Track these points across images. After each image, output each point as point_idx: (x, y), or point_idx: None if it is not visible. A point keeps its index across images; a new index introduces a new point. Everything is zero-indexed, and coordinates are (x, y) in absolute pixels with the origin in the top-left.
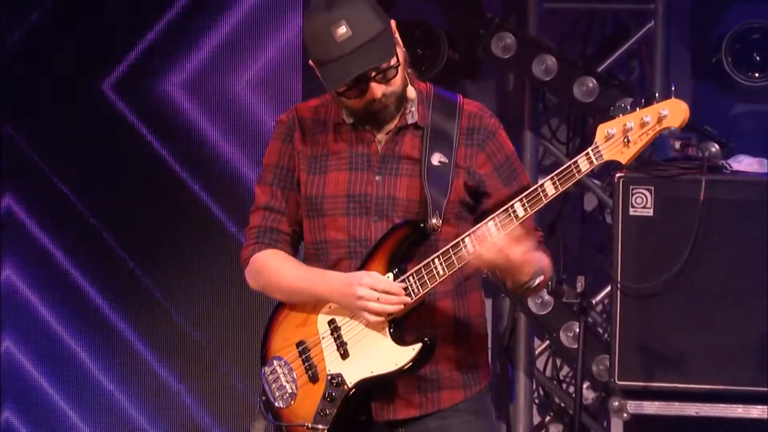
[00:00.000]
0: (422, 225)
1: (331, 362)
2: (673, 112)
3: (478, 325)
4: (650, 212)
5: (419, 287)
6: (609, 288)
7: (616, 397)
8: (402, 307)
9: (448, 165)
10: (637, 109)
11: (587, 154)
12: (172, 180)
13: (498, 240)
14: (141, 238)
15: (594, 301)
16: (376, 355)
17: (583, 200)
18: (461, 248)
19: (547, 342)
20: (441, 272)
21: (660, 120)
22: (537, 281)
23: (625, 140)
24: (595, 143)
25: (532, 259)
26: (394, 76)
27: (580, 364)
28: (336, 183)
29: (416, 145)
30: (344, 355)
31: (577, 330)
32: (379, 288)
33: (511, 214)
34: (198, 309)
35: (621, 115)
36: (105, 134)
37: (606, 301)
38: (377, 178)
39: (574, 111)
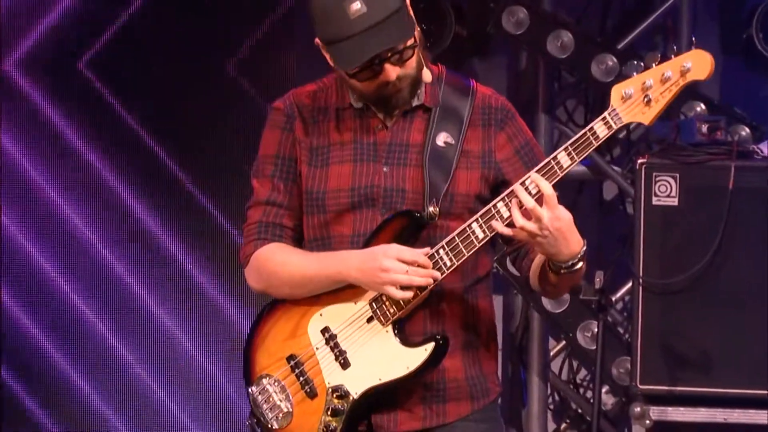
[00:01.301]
0: (418, 215)
1: (331, 374)
2: (697, 63)
3: (489, 332)
4: (675, 201)
5: (453, 258)
6: (630, 284)
7: (638, 402)
8: (431, 281)
9: (454, 146)
10: (654, 65)
11: (604, 118)
12: (160, 170)
13: (540, 204)
14: (127, 229)
15: (614, 299)
16: (383, 360)
17: (602, 188)
18: (493, 214)
19: (563, 343)
20: (481, 236)
21: (683, 74)
22: (581, 262)
23: (645, 99)
24: (612, 105)
25: (576, 233)
26: (411, 57)
27: (598, 366)
28: (339, 176)
29: (424, 129)
30: (344, 365)
31: (596, 330)
32: (408, 259)
33: (495, 214)
34: (186, 310)
35: (636, 74)
36: (84, 112)
37: (627, 299)
38: (385, 169)
39: (593, 91)
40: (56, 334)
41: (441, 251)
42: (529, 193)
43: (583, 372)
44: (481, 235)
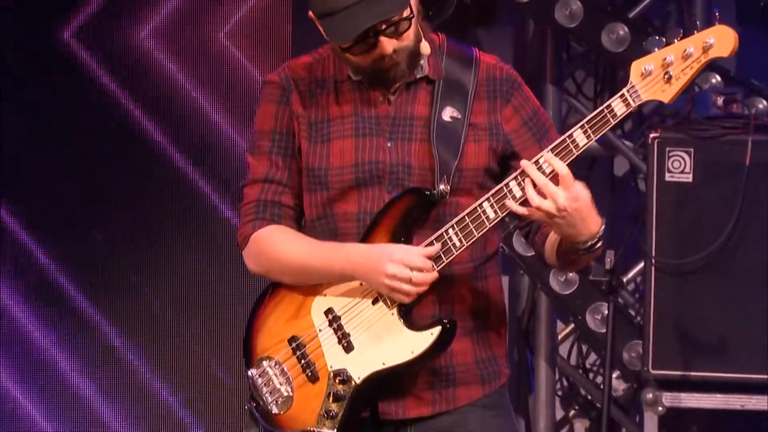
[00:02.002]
0: (428, 192)
1: (333, 357)
2: (720, 40)
3: (498, 312)
4: (689, 178)
5: (462, 239)
6: (642, 264)
7: (650, 388)
8: (427, 286)
9: (461, 121)
10: (676, 41)
11: (622, 95)
12: (146, 147)
13: (555, 183)
14: (112, 212)
15: (625, 279)
16: (388, 344)
17: (613, 164)
18: (506, 193)
19: (572, 326)
20: (492, 216)
21: (706, 50)
22: (600, 242)
23: (666, 76)
24: (631, 82)
25: (594, 212)
26: (407, 29)
27: (608, 350)
28: (341, 152)
29: (429, 102)
30: (348, 348)
31: (606, 312)
32: (414, 265)
33: (506, 193)
34: (179, 292)
35: (657, 49)
36: (65, 88)
37: (639, 279)
38: (389, 144)
39: (603, 62)
40: (56, 330)
41: (450, 231)
42: (543, 173)
43: (592, 356)
44: (492, 215)
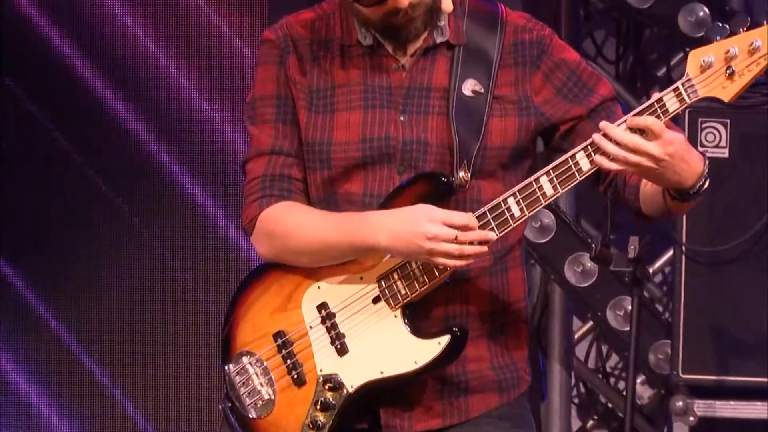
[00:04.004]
0: (445, 180)
1: (324, 360)
2: None
3: (519, 311)
4: (725, 153)
5: (524, 208)
6: (671, 252)
7: (680, 395)
8: (486, 249)
9: (484, 95)
10: (742, 30)
11: (676, 89)
12: (106, 116)
13: (628, 139)
14: (70, 187)
15: (651, 270)
16: (388, 350)
17: None
18: (569, 164)
19: (590, 323)
20: (549, 193)
21: None
22: (707, 180)
23: (728, 71)
24: (687, 74)
25: (689, 148)
26: None
27: (632, 352)
28: (347, 126)
29: (448, 71)
30: (341, 351)
31: (629, 307)
32: (456, 223)
33: (572, 167)
34: (136, 283)
35: (719, 38)
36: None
37: (667, 270)
38: (402, 118)
39: (626, 19)
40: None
41: (511, 200)
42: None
43: (614, 359)
44: (550, 192)
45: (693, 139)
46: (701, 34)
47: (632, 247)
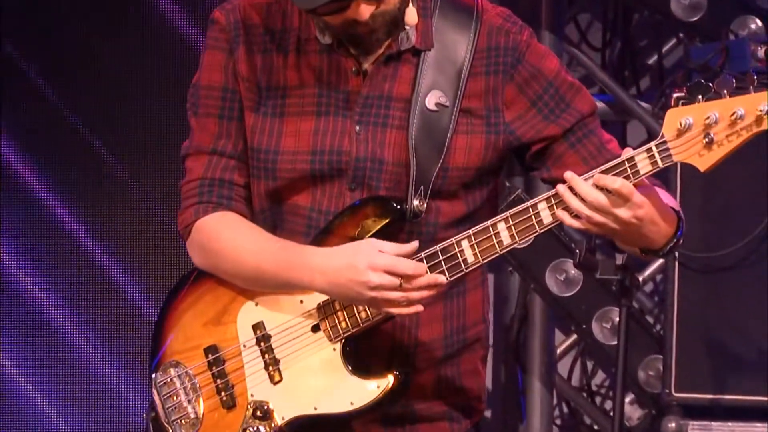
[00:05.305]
0: (398, 206)
1: (256, 385)
2: None
3: (477, 334)
4: None
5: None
6: (662, 259)
7: (673, 416)
8: (435, 292)
9: (449, 109)
10: (725, 93)
11: (650, 150)
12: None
13: (593, 197)
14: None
15: (641, 278)
16: (324, 385)
17: (626, 131)
18: (530, 214)
19: (574, 337)
20: (507, 242)
21: (760, 119)
22: (679, 239)
23: (706, 139)
24: (662, 136)
25: (661, 209)
26: None
27: (620, 368)
28: (297, 133)
29: (412, 80)
30: (274, 378)
31: (617, 319)
32: (400, 272)
33: (532, 217)
34: (61, 279)
35: (701, 99)
36: None
37: (658, 278)
38: (357, 128)
39: (614, 2)
40: None
41: (465, 243)
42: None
43: (600, 376)
44: (507, 241)
45: None
46: (695, 18)
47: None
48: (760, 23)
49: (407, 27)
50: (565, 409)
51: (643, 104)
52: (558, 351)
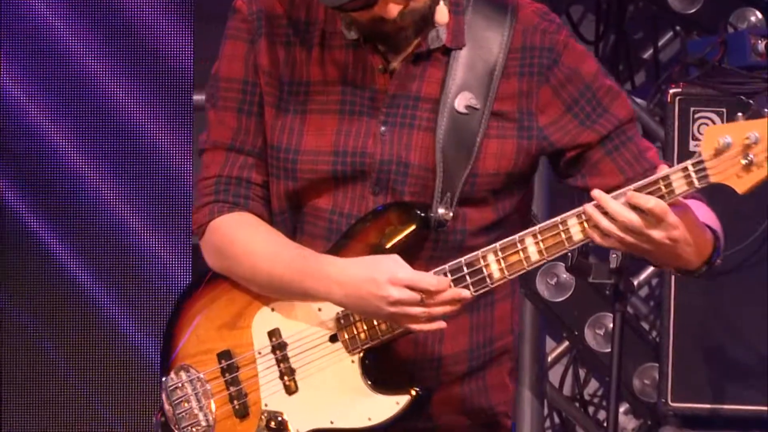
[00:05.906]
0: (422, 214)
1: (270, 395)
2: None
3: (504, 347)
4: None
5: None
6: None
7: (669, 426)
8: (458, 306)
9: (480, 111)
10: (766, 111)
11: (686, 169)
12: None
13: (625, 216)
14: None
15: (636, 282)
16: (341, 399)
17: None
18: (559, 230)
19: (566, 344)
20: (534, 258)
21: None
22: (717, 258)
23: (745, 160)
24: (699, 154)
25: (696, 229)
26: None
27: (614, 377)
28: (319, 132)
29: (442, 79)
30: (290, 389)
31: (611, 325)
32: (423, 287)
33: (561, 233)
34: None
35: (741, 116)
36: None
37: (654, 282)
38: (383, 129)
39: None
40: None
41: (491, 257)
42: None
43: (593, 384)
44: (534, 258)
45: (684, 132)
46: (693, 10)
47: (614, 255)
48: (760, 15)
49: (438, 26)
50: (557, 420)
51: (638, 100)
52: (549, 358)
